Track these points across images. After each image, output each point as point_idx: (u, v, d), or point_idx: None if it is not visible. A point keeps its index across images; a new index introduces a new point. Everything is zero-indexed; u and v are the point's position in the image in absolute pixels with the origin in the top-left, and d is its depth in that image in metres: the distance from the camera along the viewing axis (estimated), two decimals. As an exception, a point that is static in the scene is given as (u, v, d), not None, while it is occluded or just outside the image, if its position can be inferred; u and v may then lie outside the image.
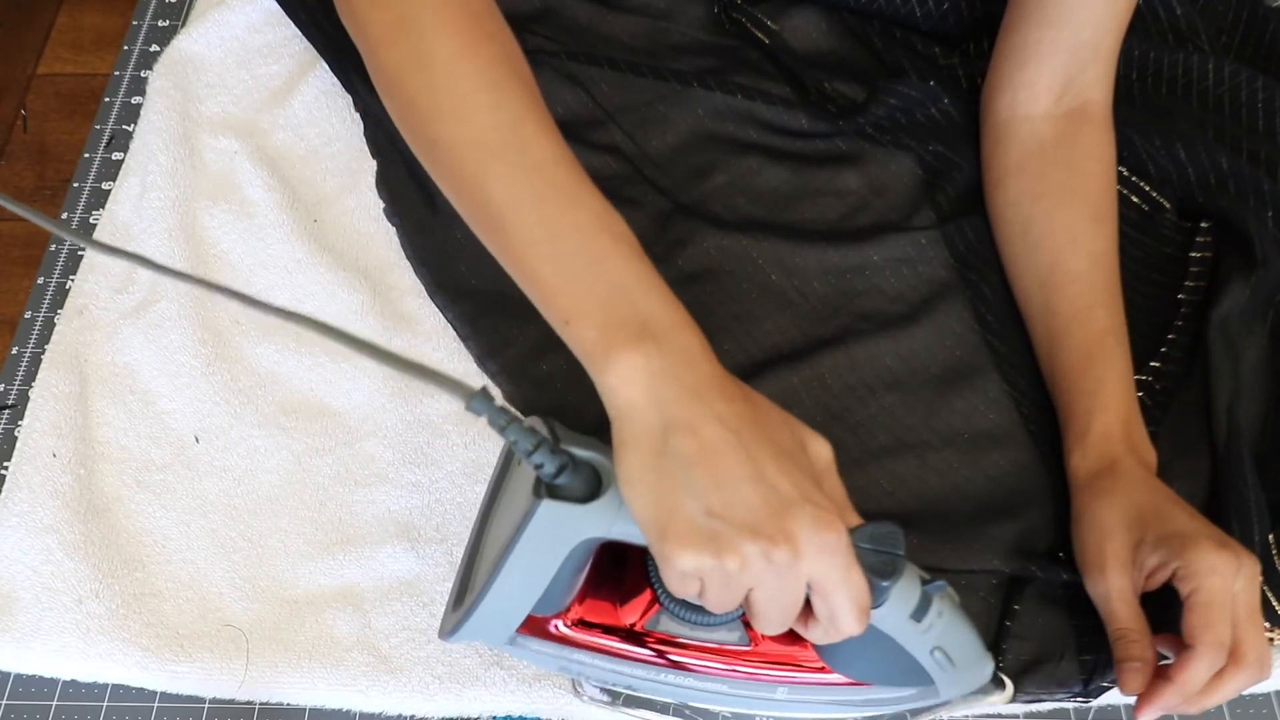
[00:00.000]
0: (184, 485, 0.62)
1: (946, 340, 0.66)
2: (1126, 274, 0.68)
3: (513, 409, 0.47)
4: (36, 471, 0.62)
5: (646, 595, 0.53)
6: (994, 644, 0.56)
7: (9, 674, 0.58)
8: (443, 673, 0.57)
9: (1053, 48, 0.65)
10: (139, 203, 0.73)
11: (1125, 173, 0.71)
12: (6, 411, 0.67)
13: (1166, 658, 0.52)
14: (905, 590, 0.47)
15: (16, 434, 0.65)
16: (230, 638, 0.57)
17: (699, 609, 0.52)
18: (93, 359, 0.67)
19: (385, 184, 0.73)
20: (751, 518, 0.42)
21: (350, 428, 0.65)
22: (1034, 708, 0.56)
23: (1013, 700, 0.55)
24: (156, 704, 0.57)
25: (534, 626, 0.52)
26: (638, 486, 0.43)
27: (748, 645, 0.53)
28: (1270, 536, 0.55)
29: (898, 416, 0.63)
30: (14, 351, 0.69)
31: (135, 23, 0.87)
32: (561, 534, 0.46)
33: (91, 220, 0.75)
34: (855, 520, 0.46)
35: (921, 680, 0.51)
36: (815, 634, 0.46)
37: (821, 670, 0.53)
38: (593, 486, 0.46)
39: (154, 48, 0.85)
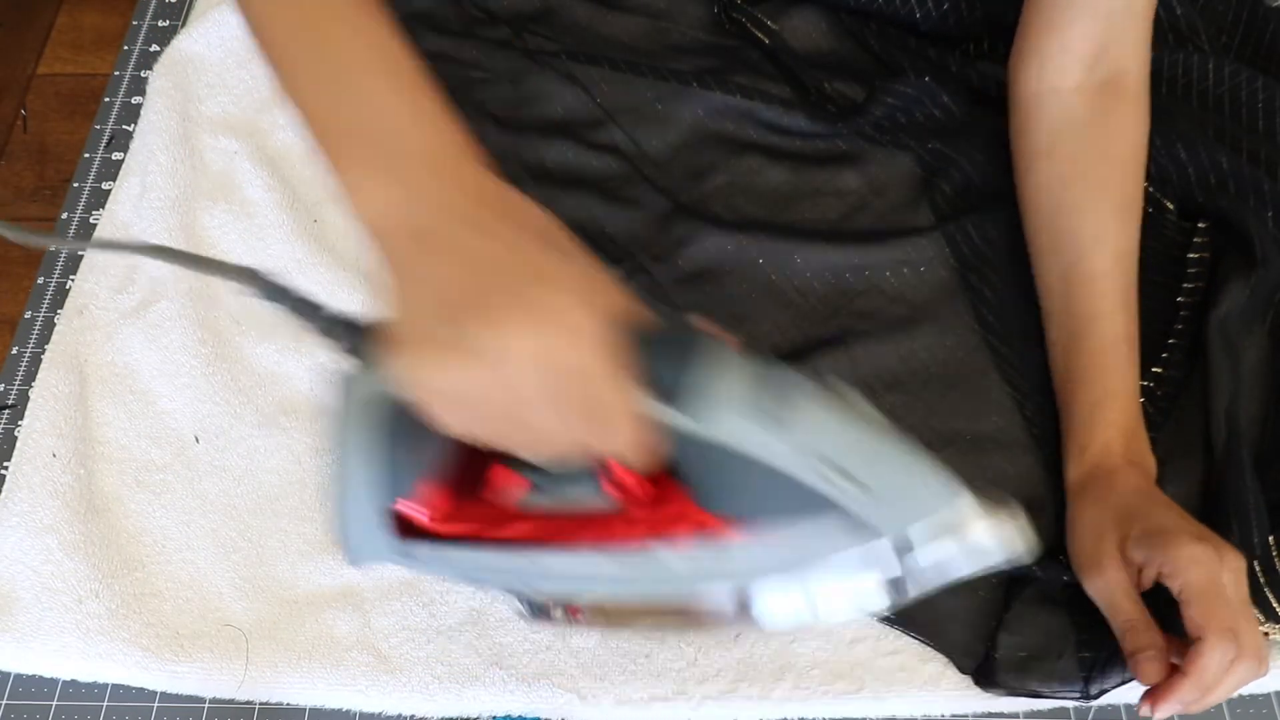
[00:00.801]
0: (184, 485, 0.62)
1: (947, 341, 0.66)
2: None
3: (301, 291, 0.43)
4: (36, 471, 0.62)
5: (507, 473, 0.47)
6: (990, 641, 0.56)
7: (9, 674, 0.58)
8: (442, 672, 0.57)
9: (1085, 8, 0.62)
10: (139, 203, 0.73)
11: None
12: (6, 411, 0.67)
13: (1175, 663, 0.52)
14: (729, 381, 0.37)
15: (16, 434, 0.65)
16: (230, 638, 0.57)
17: (551, 479, 0.45)
18: (93, 359, 0.67)
19: None
20: (490, 299, 0.36)
21: (350, 428, 0.64)
22: (1034, 706, 0.56)
23: (1006, 690, 0.55)
24: (156, 704, 0.57)
25: (412, 531, 0.47)
26: (391, 312, 0.39)
27: (615, 507, 0.45)
28: (1270, 537, 0.55)
29: (898, 416, 0.63)
30: (14, 351, 0.69)
31: (135, 23, 0.87)
32: (372, 400, 0.42)
33: (91, 220, 0.75)
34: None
35: (831, 508, 0.39)
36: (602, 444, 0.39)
37: (716, 523, 0.43)
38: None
39: (154, 48, 0.85)
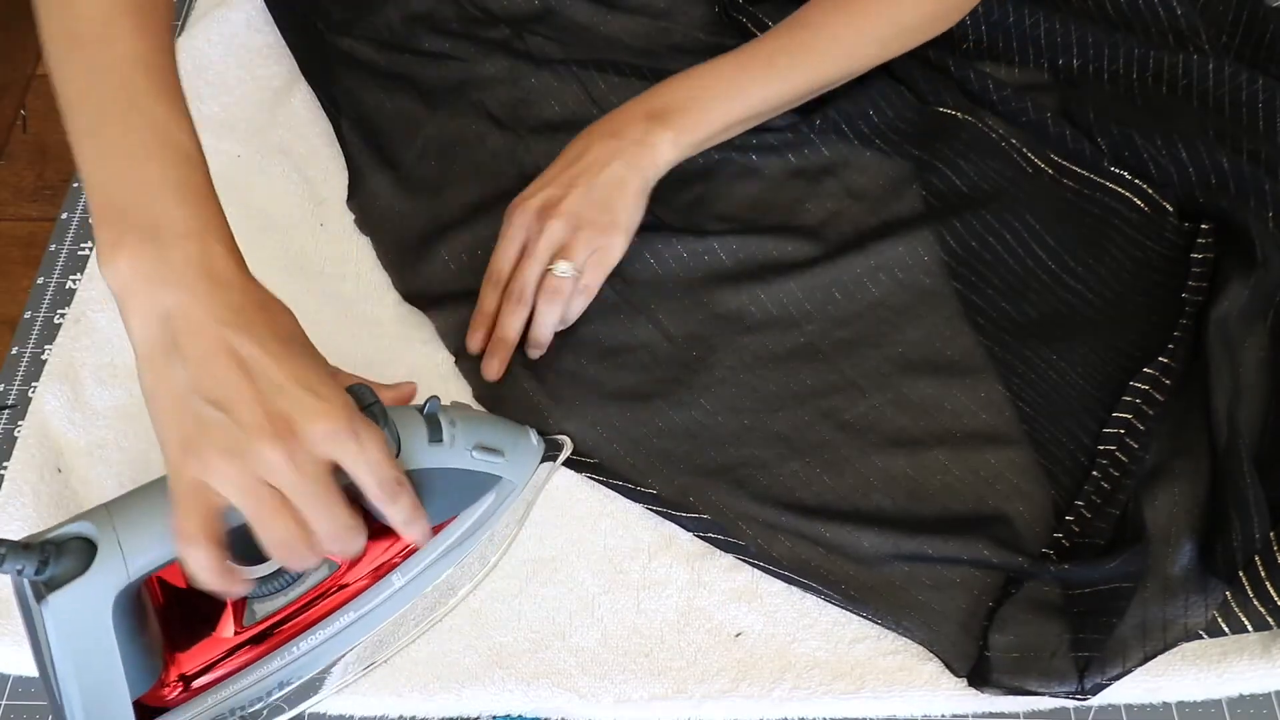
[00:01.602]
0: (184, 485, 0.62)
1: (936, 342, 0.66)
2: (1127, 275, 0.68)
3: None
4: (36, 472, 0.62)
5: (226, 604, 0.52)
6: (982, 639, 0.56)
7: (8, 675, 0.58)
8: (442, 673, 0.57)
9: None
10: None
11: (1128, 175, 0.70)
12: (6, 411, 0.67)
13: None
14: (408, 425, 0.50)
15: (16, 434, 0.65)
16: (230, 638, 0.57)
17: (272, 577, 0.51)
18: (92, 360, 0.67)
19: (354, 197, 0.73)
20: (250, 414, 0.41)
21: (350, 428, 0.64)
22: (1035, 706, 0.56)
23: (1000, 690, 0.55)
24: (156, 704, 0.57)
25: (152, 712, 0.50)
26: (151, 405, 0.43)
27: (336, 567, 0.54)
28: (1271, 534, 0.55)
29: (888, 416, 0.63)
30: (14, 351, 0.69)
31: (135, 23, 0.87)
32: (86, 613, 0.44)
33: (91, 220, 0.75)
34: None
35: (489, 482, 0.55)
36: (387, 512, 0.47)
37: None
38: (86, 552, 0.43)
39: (154, 48, 0.85)
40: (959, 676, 0.56)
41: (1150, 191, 0.70)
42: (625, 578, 0.59)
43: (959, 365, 0.65)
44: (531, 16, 0.82)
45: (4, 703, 0.57)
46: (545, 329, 0.65)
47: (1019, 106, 0.72)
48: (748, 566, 0.59)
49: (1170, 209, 0.69)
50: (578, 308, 0.65)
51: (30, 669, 0.58)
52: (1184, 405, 0.62)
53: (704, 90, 0.66)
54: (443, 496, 0.54)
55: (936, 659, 0.56)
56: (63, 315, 0.70)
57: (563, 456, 0.61)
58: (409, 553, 0.56)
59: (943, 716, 0.56)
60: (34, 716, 0.57)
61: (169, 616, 0.51)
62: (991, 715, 0.56)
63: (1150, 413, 0.61)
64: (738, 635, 0.58)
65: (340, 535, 0.45)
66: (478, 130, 0.76)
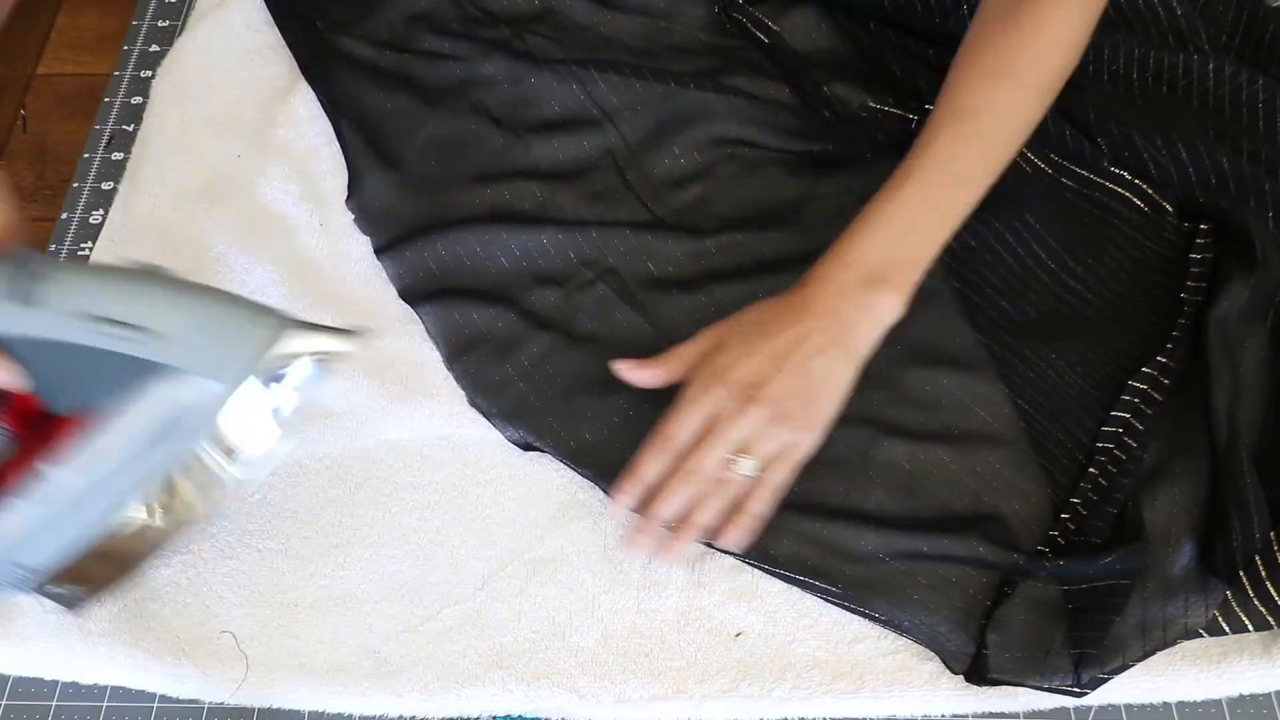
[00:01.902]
0: (184, 486, 0.62)
1: (934, 340, 0.66)
2: (1126, 274, 0.68)
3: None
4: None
5: None
6: (980, 637, 0.56)
7: (8, 675, 0.58)
8: (442, 673, 0.57)
9: None
10: (141, 204, 0.73)
11: (1128, 175, 0.70)
12: (6, 412, 0.67)
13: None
14: None
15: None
16: (230, 642, 0.57)
17: None
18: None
19: (353, 197, 0.73)
20: None
21: (350, 430, 0.65)
22: (1035, 706, 0.56)
23: (990, 679, 0.55)
24: (156, 704, 0.57)
25: None
26: None
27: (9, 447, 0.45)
28: (1271, 533, 0.55)
29: (886, 414, 0.63)
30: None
31: (135, 23, 0.87)
32: None
33: (92, 221, 0.75)
34: None
35: (137, 368, 0.42)
36: None
37: (71, 421, 0.44)
38: None
39: (154, 48, 0.85)
40: (956, 673, 0.56)
41: (1150, 191, 0.70)
42: (625, 578, 0.59)
43: (957, 363, 0.65)
44: (531, 16, 0.82)
45: (4, 703, 0.58)
46: (709, 524, 0.57)
47: None
48: (748, 567, 0.59)
49: (1170, 209, 0.69)
50: (758, 506, 0.57)
51: (30, 669, 0.58)
52: (1183, 405, 0.62)
53: (910, 234, 0.60)
54: (54, 378, 0.43)
55: (936, 659, 0.56)
56: (63, 315, 0.70)
57: (336, 345, 0.46)
58: (65, 437, 0.45)
59: (943, 716, 0.56)
60: (34, 716, 0.57)
61: None
62: (991, 715, 0.56)
63: (1149, 412, 0.61)
64: (738, 635, 0.58)
65: None
66: (478, 130, 0.76)
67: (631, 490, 0.57)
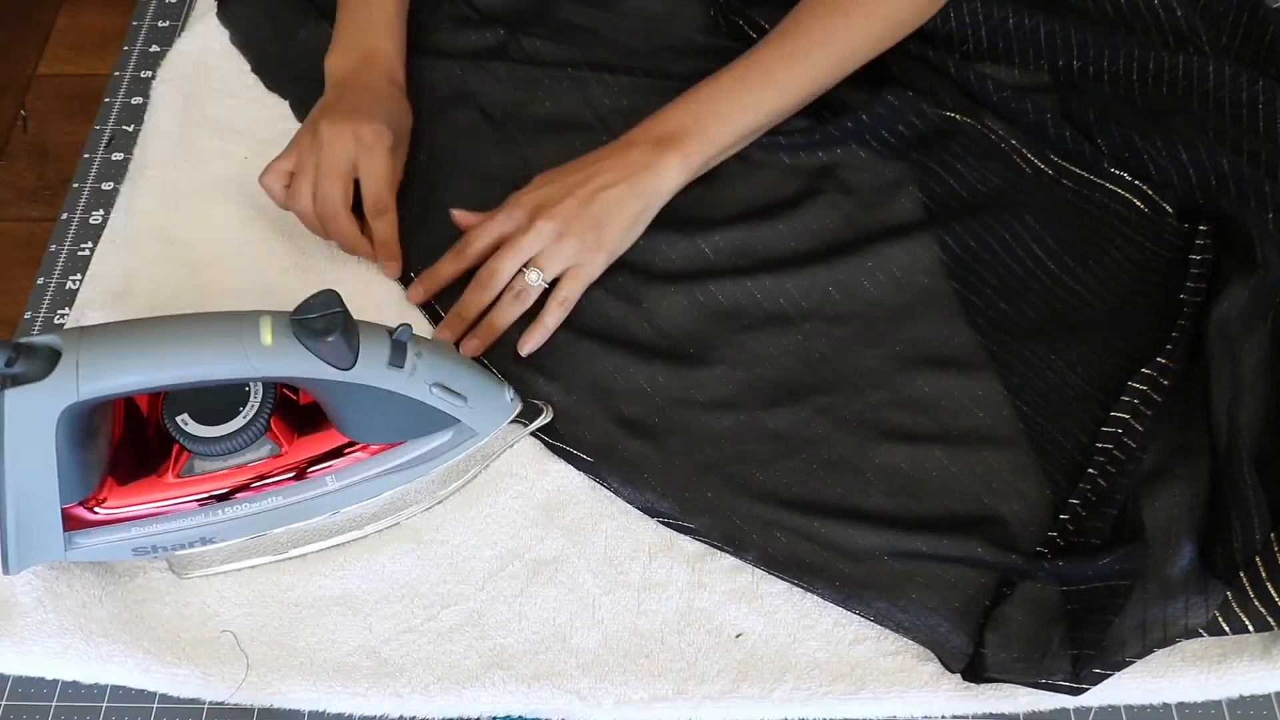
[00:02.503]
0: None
1: (933, 341, 0.66)
2: (1126, 275, 0.68)
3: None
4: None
5: (173, 448, 0.57)
6: (978, 636, 0.56)
7: (8, 675, 0.58)
8: (442, 674, 0.57)
9: None
10: (142, 204, 0.73)
11: (1128, 176, 0.71)
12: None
13: None
14: (373, 342, 0.53)
15: (16, 434, 0.65)
16: (231, 641, 0.57)
17: (219, 440, 0.55)
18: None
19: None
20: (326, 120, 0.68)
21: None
22: (1035, 707, 0.56)
23: (988, 678, 0.55)
24: (156, 704, 0.57)
25: (79, 522, 0.55)
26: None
27: (279, 451, 0.58)
28: (1271, 535, 0.55)
29: (885, 414, 0.63)
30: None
31: (135, 23, 0.87)
32: (38, 415, 0.50)
33: (92, 221, 0.75)
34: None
35: (446, 422, 0.58)
36: (373, 224, 0.68)
37: (355, 447, 0.58)
38: (51, 363, 0.49)
39: (154, 48, 0.85)
40: (953, 672, 0.56)
41: (1150, 192, 0.70)
42: (626, 579, 0.59)
43: (957, 363, 0.65)
44: (529, 17, 0.82)
45: (4, 703, 0.58)
46: (502, 325, 0.65)
47: (1019, 107, 0.72)
48: (748, 567, 0.59)
49: (1170, 210, 0.69)
50: (553, 320, 0.65)
51: (30, 669, 0.58)
52: (1183, 406, 0.62)
53: (707, 110, 0.68)
54: (395, 420, 0.58)
55: (936, 660, 0.56)
56: (63, 316, 0.70)
57: (538, 422, 0.63)
58: (352, 460, 0.59)
59: (943, 717, 0.56)
60: (34, 716, 0.57)
61: (120, 448, 0.57)
62: (991, 716, 0.56)
63: (1148, 413, 0.61)
64: (738, 636, 0.58)
65: (327, 215, 0.67)
66: (475, 131, 0.76)
67: (425, 285, 0.68)
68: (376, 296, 0.70)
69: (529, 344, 0.65)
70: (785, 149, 0.74)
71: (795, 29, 0.70)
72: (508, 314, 0.65)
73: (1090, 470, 0.61)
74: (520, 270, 0.65)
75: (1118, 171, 0.71)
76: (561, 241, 0.65)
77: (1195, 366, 0.63)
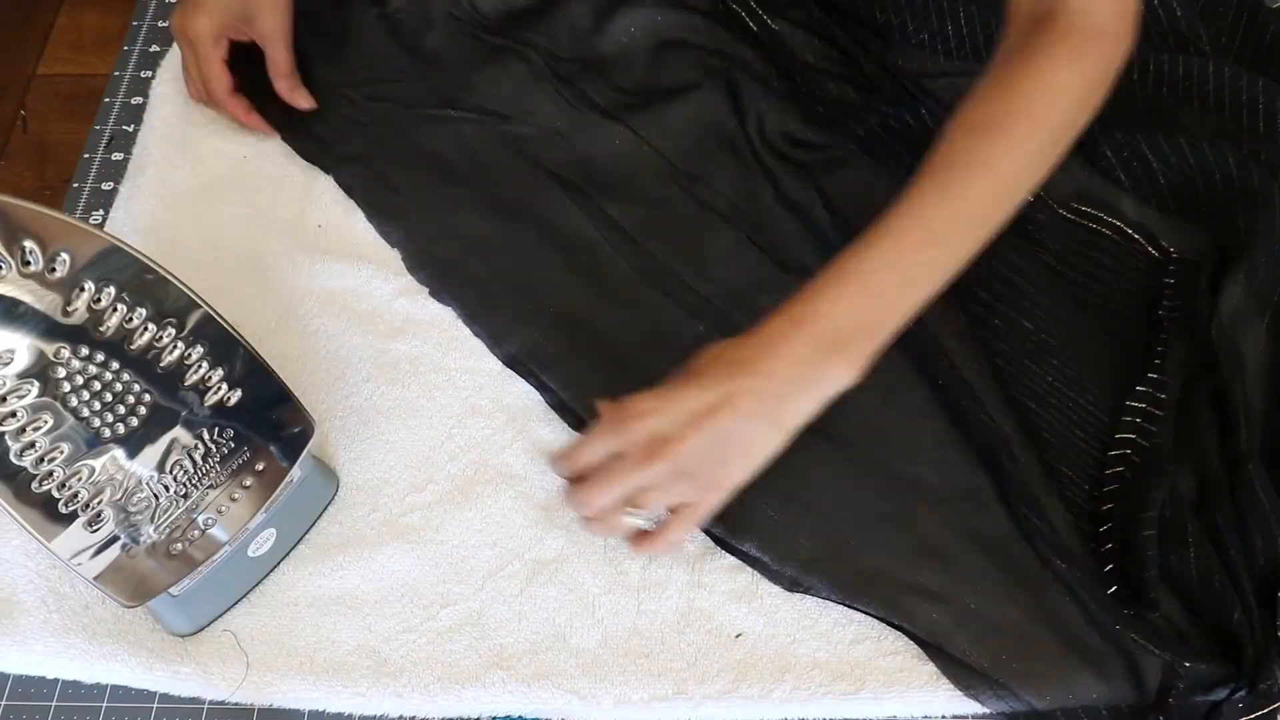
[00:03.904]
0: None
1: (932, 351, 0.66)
2: (1096, 299, 0.68)
3: None
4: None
5: None
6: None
7: (9, 674, 0.58)
8: (442, 673, 0.57)
9: None
10: (142, 204, 0.73)
11: (1093, 210, 0.70)
12: (6, 412, 0.67)
13: None
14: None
15: (16, 434, 0.65)
16: (231, 641, 0.57)
17: None
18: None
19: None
20: None
21: (350, 431, 0.65)
22: (1035, 707, 0.56)
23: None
24: (156, 704, 0.57)
25: None
26: None
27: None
28: None
29: (890, 423, 0.64)
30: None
31: (135, 23, 0.87)
32: None
33: (92, 220, 0.75)
34: None
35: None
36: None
37: None
38: None
39: (154, 48, 0.85)
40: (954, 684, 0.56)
41: (1126, 231, 0.70)
42: (625, 579, 0.59)
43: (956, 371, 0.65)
44: (527, 17, 0.82)
45: (4, 703, 0.58)
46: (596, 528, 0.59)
47: None
48: (748, 568, 0.59)
49: (1139, 239, 0.69)
50: (660, 549, 0.58)
51: (31, 668, 0.58)
52: (1188, 409, 0.62)
53: (877, 297, 0.55)
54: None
55: (936, 660, 0.57)
56: (63, 315, 0.70)
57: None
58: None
59: (943, 717, 0.56)
60: (34, 716, 0.57)
61: None
62: (991, 716, 0.56)
63: (1150, 422, 0.61)
64: (738, 636, 0.58)
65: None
66: (473, 129, 0.76)
67: (559, 468, 0.59)
68: (376, 298, 0.70)
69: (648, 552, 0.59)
70: (787, 150, 0.74)
71: (945, 159, 0.57)
72: (598, 529, 0.59)
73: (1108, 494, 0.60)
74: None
75: (1084, 207, 0.70)
76: (678, 484, 0.55)
77: (1195, 372, 0.63)
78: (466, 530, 0.61)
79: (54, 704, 0.57)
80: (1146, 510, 0.57)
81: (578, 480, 0.56)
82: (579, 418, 0.64)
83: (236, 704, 0.57)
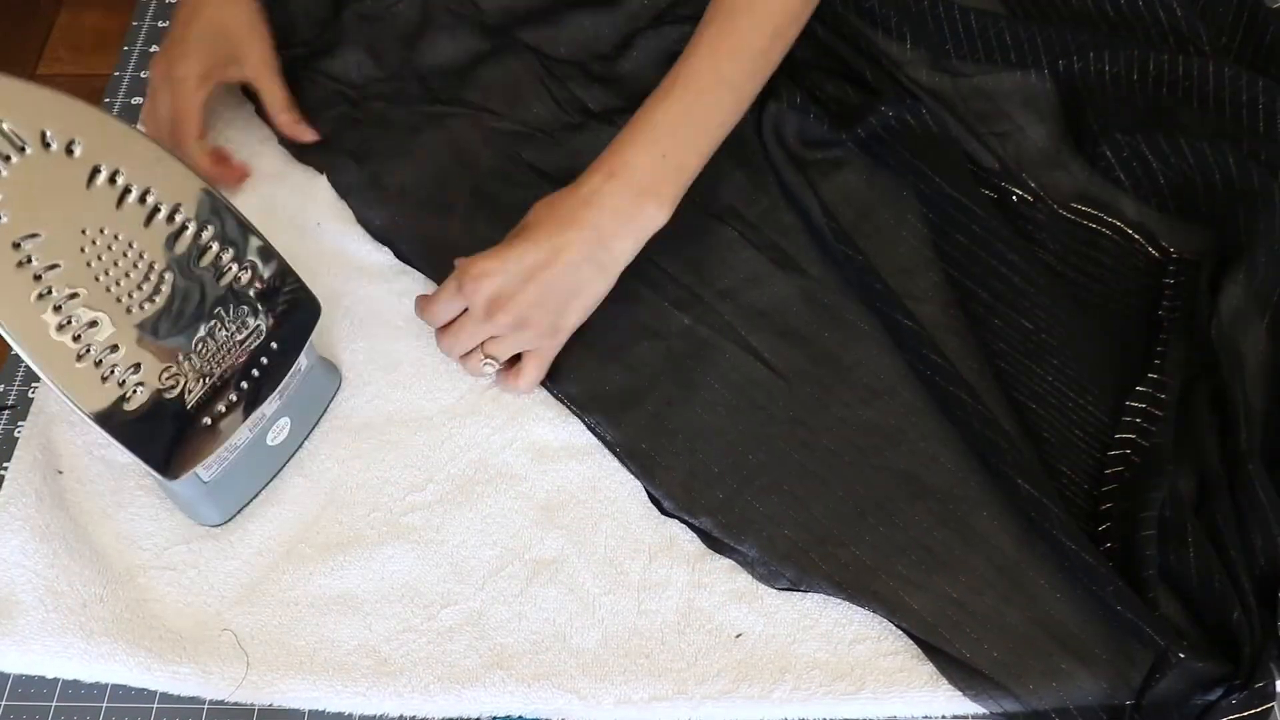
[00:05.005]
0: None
1: (932, 355, 0.66)
2: (1095, 298, 0.68)
3: None
4: (38, 473, 0.62)
5: None
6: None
7: (8, 675, 0.58)
8: (442, 673, 0.57)
9: None
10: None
11: (1093, 210, 0.70)
12: (6, 412, 0.67)
13: None
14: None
15: (17, 435, 0.65)
16: (231, 640, 0.57)
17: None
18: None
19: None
20: None
21: (351, 430, 0.65)
22: (1035, 706, 0.56)
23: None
24: (156, 704, 0.57)
25: None
26: None
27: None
28: None
29: (893, 420, 0.64)
30: (14, 352, 0.69)
31: (135, 23, 0.87)
32: None
33: (92, 220, 0.75)
34: None
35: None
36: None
37: None
38: None
39: (154, 48, 0.85)
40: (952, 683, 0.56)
41: (1126, 230, 0.70)
42: (626, 579, 0.59)
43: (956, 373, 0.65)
44: (530, 17, 0.82)
45: (4, 703, 0.58)
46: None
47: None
48: (748, 567, 0.59)
49: (1139, 239, 0.69)
50: (522, 389, 0.65)
51: (30, 668, 0.58)
52: (1188, 410, 0.62)
53: (677, 143, 0.62)
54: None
55: (935, 659, 0.57)
56: (63, 315, 0.70)
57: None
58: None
59: (943, 717, 0.56)
60: (34, 716, 0.57)
61: None
62: (991, 716, 0.56)
63: (1148, 423, 0.61)
64: (738, 636, 0.58)
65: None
66: (471, 129, 0.76)
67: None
68: (375, 298, 0.70)
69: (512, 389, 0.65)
70: (785, 151, 0.74)
71: (733, 5, 0.63)
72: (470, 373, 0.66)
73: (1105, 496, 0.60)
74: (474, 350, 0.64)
75: (1084, 207, 0.70)
76: (520, 332, 0.62)
77: (1195, 373, 0.63)
78: (466, 530, 0.61)
79: (54, 704, 0.57)
80: (1146, 510, 0.57)
81: (443, 329, 0.64)
82: (575, 406, 0.65)
83: (236, 704, 0.57)
